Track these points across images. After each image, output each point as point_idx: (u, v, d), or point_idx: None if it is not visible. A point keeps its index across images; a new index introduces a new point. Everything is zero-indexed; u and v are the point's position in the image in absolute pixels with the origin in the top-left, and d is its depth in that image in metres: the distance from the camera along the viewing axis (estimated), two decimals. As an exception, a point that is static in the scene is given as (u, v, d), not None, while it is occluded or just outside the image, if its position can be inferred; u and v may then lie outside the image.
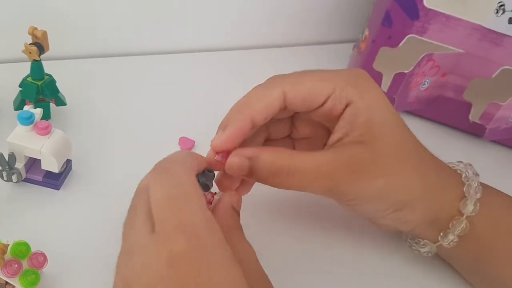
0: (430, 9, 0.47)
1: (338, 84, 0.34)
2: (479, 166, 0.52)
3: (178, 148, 0.47)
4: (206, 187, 0.34)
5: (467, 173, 0.38)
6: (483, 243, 0.37)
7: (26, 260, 0.33)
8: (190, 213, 0.29)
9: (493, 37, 0.47)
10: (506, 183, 0.50)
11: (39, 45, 0.42)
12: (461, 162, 0.39)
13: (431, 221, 0.37)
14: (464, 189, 0.36)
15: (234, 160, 0.33)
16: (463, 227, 0.36)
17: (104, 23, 0.55)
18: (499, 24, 0.46)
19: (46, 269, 0.34)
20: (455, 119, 0.54)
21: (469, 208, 0.36)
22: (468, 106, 0.52)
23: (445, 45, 0.48)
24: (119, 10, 0.55)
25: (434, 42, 0.49)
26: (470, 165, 0.39)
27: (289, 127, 0.39)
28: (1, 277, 0.32)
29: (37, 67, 0.44)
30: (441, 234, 0.37)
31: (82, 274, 0.37)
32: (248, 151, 0.34)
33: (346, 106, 0.34)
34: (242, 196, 0.36)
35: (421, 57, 0.49)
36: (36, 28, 0.42)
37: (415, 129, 0.55)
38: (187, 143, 0.47)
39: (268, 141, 0.39)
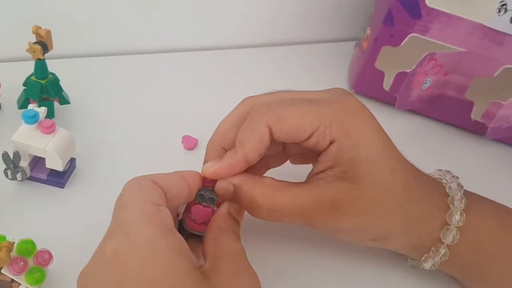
0: (432, 8, 0.47)
1: (323, 121, 0.34)
2: (481, 165, 0.52)
3: (181, 147, 0.47)
4: (211, 201, 0.35)
5: (455, 197, 0.37)
6: (467, 266, 0.37)
7: (31, 258, 0.34)
8: (127, 212, 0.30)
9: (494, 36, 0.47)
10: (507, 183, 0.51)
11: (43, 44, 0.43)
12: (455, 178, 0.38)
13: (411, 247, 0.37)
14: (447, 216, 0.36)
15: (221, 185, 0.34)
16: (443, 254, 0.36)
17: (108, 22, 0.55)
18: (501, 23, 0.46)
19: (51, 267, 0.35)
20: (457, 118, 0.54)
21: (449, 238, 0.36)
22: (470, 105, 0.52)
23: (447, 44, 0.49)
24: (123, 8, 0.55)
25: (436, 41, 0.49)
26: (459, 185, 0.38)
27: (281, 145, 0.39)
28: (8, 275, 0.33)
29: (41, 66, 0.44)
30: (423, 258, 0.37)
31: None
32: (235, 178, 0.34)
33: (330, 143, 0.34)
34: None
35: (423, 56, 0.49)
36: (40, 27, 0.42)
37: (417, 128, 0.56)
38: (190, 142, 0.47)
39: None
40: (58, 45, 0.44)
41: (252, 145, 0.34)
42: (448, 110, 0.54)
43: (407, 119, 0.56)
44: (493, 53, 0.48)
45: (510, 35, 0.46)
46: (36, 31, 0.42)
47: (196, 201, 0.35)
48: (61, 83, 0.46)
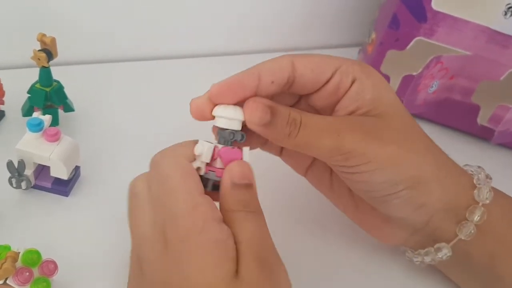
0: (437, 12, 0.47)
1: (344, 62, 0.35)
2: (487, 170, 0.51)
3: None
4: (241, 137, 0.33)
5: (472, 169, 0.38)
6: (499, 237, 0.36)
7: (37, 268, 0.33)
8: (170, 207, 0.30)
9: (501, 39, 0.47)
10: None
11: (48, 51, 0.43)
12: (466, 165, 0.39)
13: (447, 208, 0.35)
14: (475, 180, 0.36)
15: (257, 112, 0.32)
16: (481, 214, 0.35)
17: (112, 29, 0.55)
18: (507, 26, 0.46)
19: (56, 277, 0.34)
20: (463, 122, 0.54)
21: (484, 194, 0.35)
22: (477, 109, 0.52)
23: (453, 48, 0.48)
24: (126, 16, 0.55)
25: (442, 45, 0.48)
26: (479, 167, 0.38)
27: (294, 99, 0.38)
28: (13, 285, 0.32)
29: (45, 73, 0.44)
30: (457, 228, 0.36)
31: (92, 281, 0.37)
32: (268, 101, 0.33)
33: (352, 82, 0.35)
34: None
35: (429, 59, 0.49)
36: (45, 35, 0.42)
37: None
38: (195, 148, 0.47)
39: None
40: (62, 52, 0.44)
41: (269, 67, 0.34)
42: (454, 114, 0.54)
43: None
44: (500, 56, 0.48)
45: (516, 38, 0.46)
46: (41, 38, 0.42)
47: (220, 145, 0.33)
48: (65, 90, 0.46)
